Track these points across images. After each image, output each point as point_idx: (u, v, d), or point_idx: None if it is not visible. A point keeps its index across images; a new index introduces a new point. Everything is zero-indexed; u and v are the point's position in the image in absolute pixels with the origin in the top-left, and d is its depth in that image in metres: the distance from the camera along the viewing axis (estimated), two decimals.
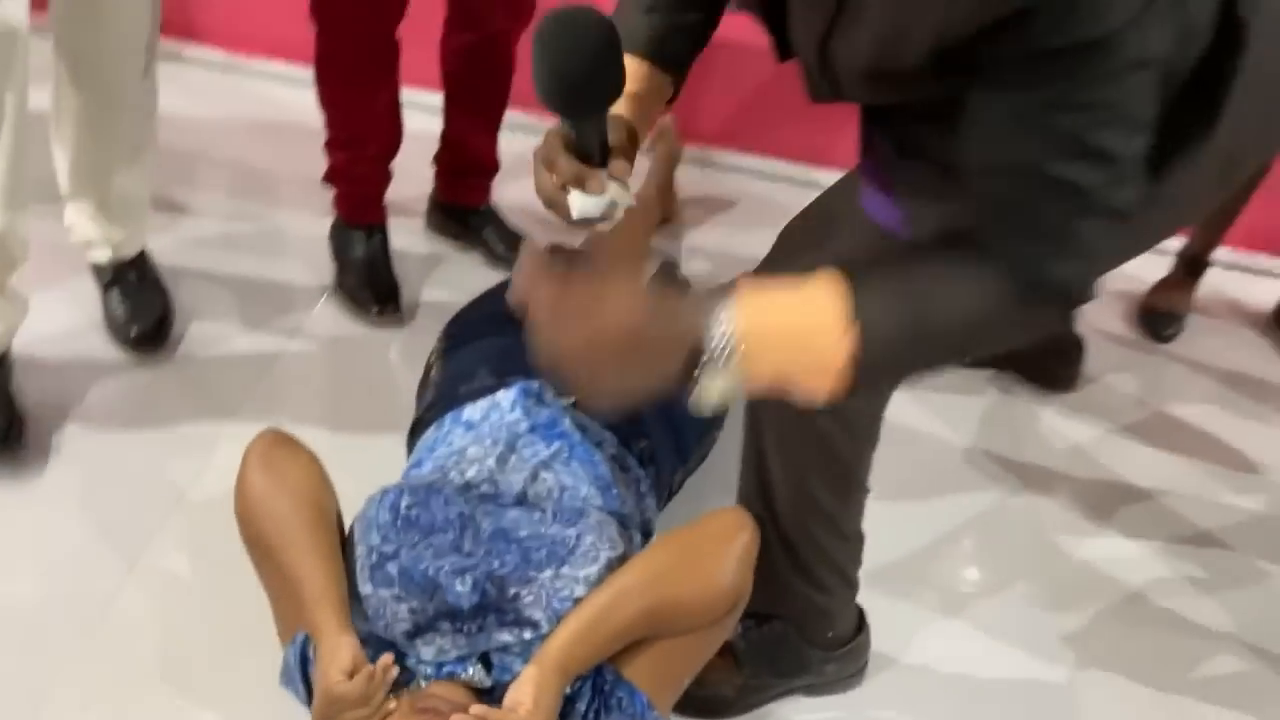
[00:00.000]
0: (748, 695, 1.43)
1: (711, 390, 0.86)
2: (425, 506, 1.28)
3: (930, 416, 1.93)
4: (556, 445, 1.39)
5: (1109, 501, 1.84)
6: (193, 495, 1.62)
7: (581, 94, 0.93)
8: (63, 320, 1.82)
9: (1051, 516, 1.80)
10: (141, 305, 1.83)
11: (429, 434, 1.45)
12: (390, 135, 1.93)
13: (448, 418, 1.45)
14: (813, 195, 1.38)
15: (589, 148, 0.98)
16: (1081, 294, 0.90)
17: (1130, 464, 1.92)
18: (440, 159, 2.10)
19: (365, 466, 1.43)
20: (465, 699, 1.17)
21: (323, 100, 1.86)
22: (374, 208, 2.00)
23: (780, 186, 2.43)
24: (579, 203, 1.00)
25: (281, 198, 2.22)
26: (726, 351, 0.84)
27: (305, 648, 1.25)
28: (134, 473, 1.64)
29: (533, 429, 1.39)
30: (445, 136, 2.07)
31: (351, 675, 1.15)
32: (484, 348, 1.56)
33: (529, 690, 1.13)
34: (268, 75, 2.54)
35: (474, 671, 1.21)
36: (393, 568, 1.23)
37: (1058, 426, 1.98)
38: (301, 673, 1.26)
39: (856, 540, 1.38)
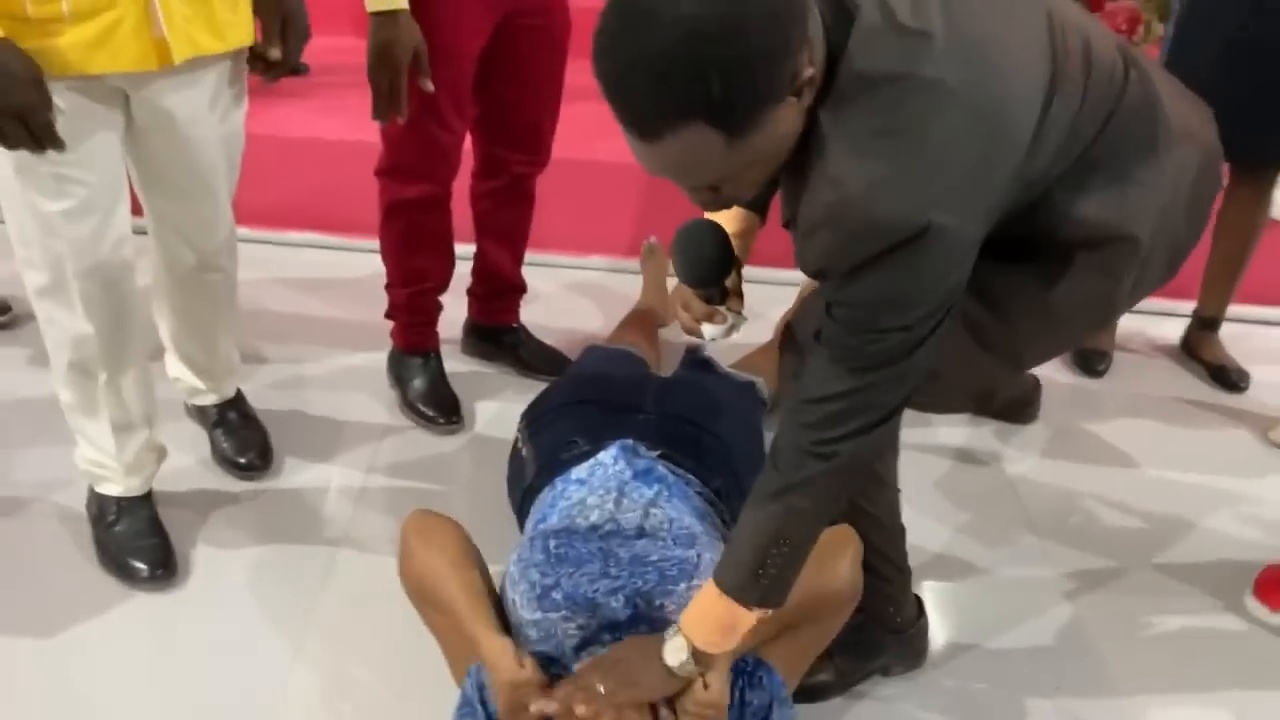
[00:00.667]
0: (843, 679, 1.71)
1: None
2: (570, 545, 1.56)
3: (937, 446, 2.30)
4: (657, 488, 1.68)
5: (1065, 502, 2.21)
6: (326, 594, 1.85)
7: (708, 280, 1.41)
8: (175, 457, 2.05)
9: (1029, 511, 2.15)
10: (246, 439, 2.09)
11: (544, 494, 1.73)
12: (447, 270, 2.25)
13: (558, 480, 1.73)
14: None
15: (713, 298, 1.43)
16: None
17: (1084, 474, 2.30)
18: (475, 288, 2.43)
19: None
20: None
21: (386, 246, 2.18)
22: (431, 336, 2.31)
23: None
24: (709, 331, 1.46)
25: (338, 340, 2.53)
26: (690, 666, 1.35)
27: (480, 676, 1.49)
28: (270, 580, 1.86)
29: (635, 476, 1.69)
30: (478, 267, 2.40)
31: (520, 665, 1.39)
32: (570, 424, 1.85)
33: (719, 685, 1.39)
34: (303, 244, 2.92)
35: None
36: (557, 594, 1.50)
37: (1025, 448, 2.36)
38: (479, 699, 1.50)
39: (899, 533, 1.69)
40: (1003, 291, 1.34)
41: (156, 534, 1.86)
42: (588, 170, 2.90)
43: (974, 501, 2.17)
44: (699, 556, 1.55)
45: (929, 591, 1.90)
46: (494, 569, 1.59)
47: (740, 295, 1.47)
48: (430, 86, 1.89)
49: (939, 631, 1.83)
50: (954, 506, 2.14)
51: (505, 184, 2.28)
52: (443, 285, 2.27)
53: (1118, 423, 2.49)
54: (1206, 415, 2.55)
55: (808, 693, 1.68)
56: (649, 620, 1.49)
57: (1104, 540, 2.09)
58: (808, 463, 1.26)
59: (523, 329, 2.48)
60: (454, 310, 2.42)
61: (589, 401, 1.92)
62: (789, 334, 1.58)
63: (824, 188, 1.11)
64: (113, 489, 1.85)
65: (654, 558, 1.54)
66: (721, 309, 1.44)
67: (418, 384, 2.29)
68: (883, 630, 1.71)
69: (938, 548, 2.03)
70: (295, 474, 2.10)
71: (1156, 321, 2.86)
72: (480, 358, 2.49)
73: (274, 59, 1.72)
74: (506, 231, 2.36)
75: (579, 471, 1.73)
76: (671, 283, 2.61)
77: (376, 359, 2.39)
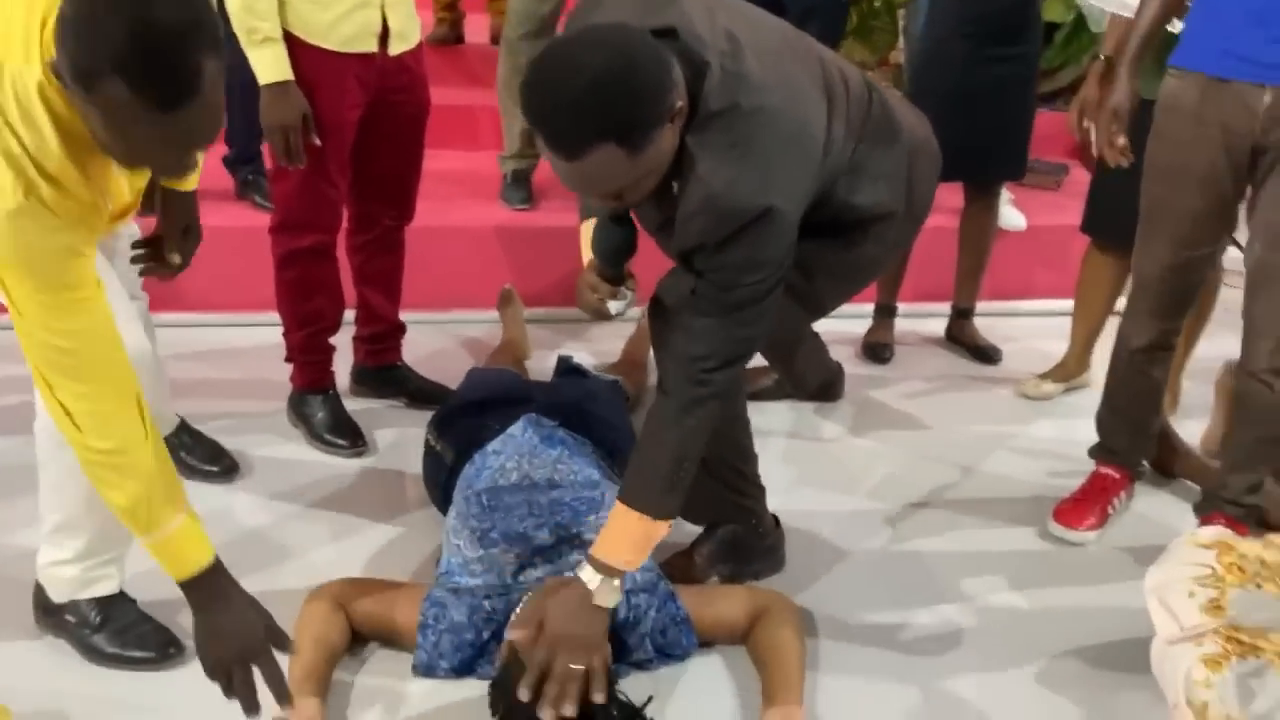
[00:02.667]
0: (725, 583, 2.10)
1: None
2: (498, 497, 1.94)
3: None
4: (560, 449, 2.09)
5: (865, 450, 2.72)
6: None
7: (618, 260, 1.84)
8: None
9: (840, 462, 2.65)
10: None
11: (466, 470, 2.09)
12: (338, 311, 2.57)
13: (476, 455, 2.10)
14: None
15: (616, 277, 1.84)
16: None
17: (888, 437, 2.83)
18: (360, 333, 2.76)
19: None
20: None
21: (283, 295, 2.49)
22: (329, 373, 2.61)
23: None
24: (614, 306, 1.85)
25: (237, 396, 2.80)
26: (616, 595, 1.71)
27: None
28: None
29: (542, 440, 2.10)
30: (362, 315, 2.73)
31: None
32: (478, 415, 2.22)
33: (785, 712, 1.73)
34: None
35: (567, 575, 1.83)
36: (494, 534, 1.87)
37: (838, 423, 2.87)
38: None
39: (754, 458, 2.13)
40: (809, 259, 1.82)
41: (148, 619, 1.88)
42: (447, 235, 3.29)
43: (804, 465, 2.65)
44: (603, 495, 1.95)
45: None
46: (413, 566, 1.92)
47: (633, 277, 1.90)
48: (318, 141, 2.28)
49: (795, 557, 2.27)
50: (788, 470, 2.61)
51: (378, 236, 2.64)
52: (335, 326, 2.58)
53: (906, 397, 3.05)
54: (974, 384, 3.16)
55: None
56: (569, 542, 1.88)
57: (918, 486, 2.57)
58: (695, 390, 1.69)
59: (406, 365, 2.82)
60: (338, 364, 2.73)
61: (489, 399, 2.30)
62: (657, 304, 2.02)
63: (697, 187, 1.59)
64: (101, 590, 1.85)
65: (567, 499, 1.94)
66: (622, 288, 1.86)
67: (321, 417, 2.58)
68: (752, 540, 2.14)
69: (781, 501, 2.48)
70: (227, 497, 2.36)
71: (924, 320, 3.48)
72: (371, 396, 2.80)
73: (174, 264, 1.94)
74: (384, 277, 2.70)
75: (494, 445, 2.10)
76: (529, 328, 3.11)
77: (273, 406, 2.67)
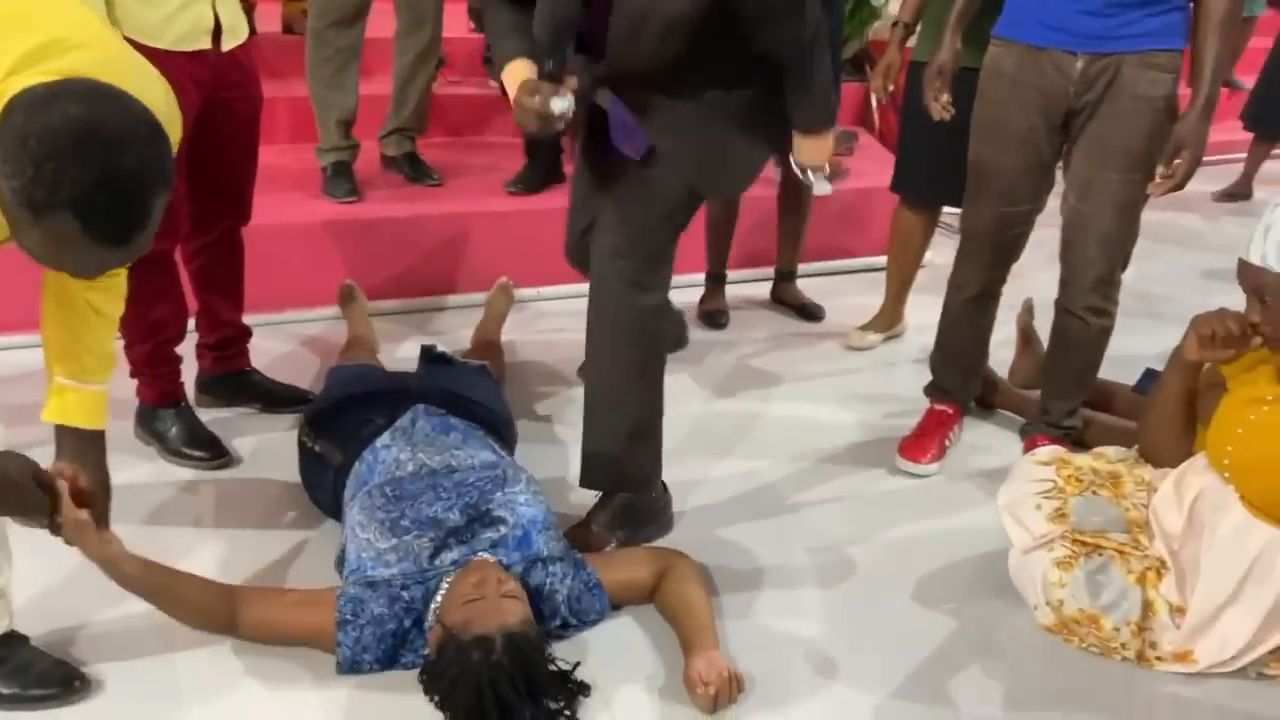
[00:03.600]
0: (623, 545, 2.20)
1: None
2: (401, 487, 1.94)
3: None
4: (453, 434, 2.11)
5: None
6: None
7: (562, 39, 1.90)
8: None
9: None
10: None
11: (356, 468, 2.08)
12: (183, 319, 2.47)
13: (365, 452, 2.09)
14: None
15: (555, 77, 1.87)
16: None
17: (737, 396, 2.99)
18: (204, 340, 2.65)
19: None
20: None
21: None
22: (179, 385, 2.51)
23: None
24: (557, 105, 1.78)
25: None
26: None
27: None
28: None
29: (434, 429, 2.11)
30: (205, 322, 2.63)
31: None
32: (358, 411, 2.21)
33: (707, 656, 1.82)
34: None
35: (482, 554, 1.87)
36: (405, 522, 1.88)
37: (689, 388, 3.01)
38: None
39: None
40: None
41: (44, 655, 1.79)
42: (276, 233, 3.19)
43: (667, 432, 2.76)
44: (504, 472, 2.00)
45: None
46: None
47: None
48: None
49: (681, 519, 2.38)
50: None
51: (217, 238, 2.55)
52: (180, 335, 2.48)
53: (746, 359, 3.23)
54: (803, 341, 3.37)
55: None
56: (480, 520, 1.91)
57: (776, 443, 2.73)
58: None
59: (255, 370, 2.74)
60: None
61: (364, 393, 2.29)
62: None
63: None
64: None
65: (471, 480, 1.97)
66: (562, 87, 1.85)
67: (175, 431, 2.48)
68: (644, 504, 2.26)
69: None
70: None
71: (751, 286, 3.67)
72: (220, 406, 2.70)
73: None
74: (226, 281, 2.62)
75: (383, 439, 2.10)
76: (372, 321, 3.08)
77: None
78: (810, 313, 3.53)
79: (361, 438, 2.13)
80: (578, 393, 2.92)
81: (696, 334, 3.32)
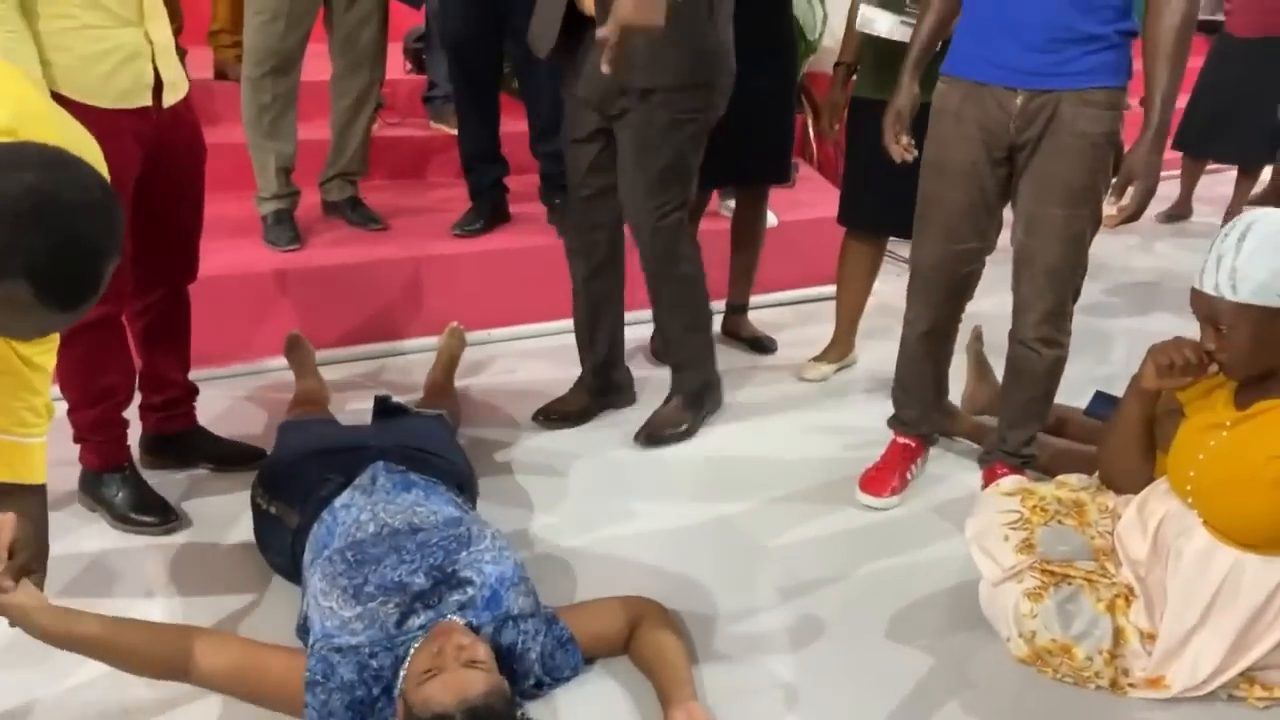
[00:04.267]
0: (693, 427, 2.87)
1: None
2: (363, 551, 1.89)
3: None
4: (415, 492, 2.06)
5: None
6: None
7: None
8: None
9: None
10: None
11: (315, 530, 2.02)
12: (131, 383, 2.39)
13: (324, 513, 2.04)
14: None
15: None
16: None
17: (693, 443, 2.98)
18: (149, 401, 2.57)
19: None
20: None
21: (67, 373, 2.28)
22: (125, 449, 2.43)
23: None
24: None
25: None
26: None
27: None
28: None
29: (394, 487, 2.06)
30: (149, 382, 2.55)
31: None
32: (314, 470, 2.15)
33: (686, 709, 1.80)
34: None
35: (453, 617, 1.82)
36: (369, 588, 1.82)
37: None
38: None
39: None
40: None
41: None
42: (230, 283, 3.13)
43: (629, 477, 2.75)
44: (468, 530, 1.95)
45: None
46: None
47: None
48: None
49: (650, 565, 2.36)
50: (616, 484, 2.72)
51: (162, 296, 2.48)
52: (129, 400, 2.40)
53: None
54: (757, 374, 3.37)
55: (676, 437, 2.88)
56: (446, 583, 1.86)
57: (740, 484, 2.70)
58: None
59: (203, 428, 2.66)
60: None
61: (319, 451, 2.23)
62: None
63: None
64: None
65: (434, 540, 1.92)
66: None
67: (122, 496, 2.39)
68: (712, 385, 2.92)
69: (614, 516, 2.57)
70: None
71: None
72: (168, 467, 2.61)
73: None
74: (172, 339, 2.54)
75: (342, 499, 2.05)
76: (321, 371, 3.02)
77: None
78: (763, 345, 3.54)
79: (319, 497, 2.07)
80: (535, 438, 2.90)
81: (644, 370, 3.29)
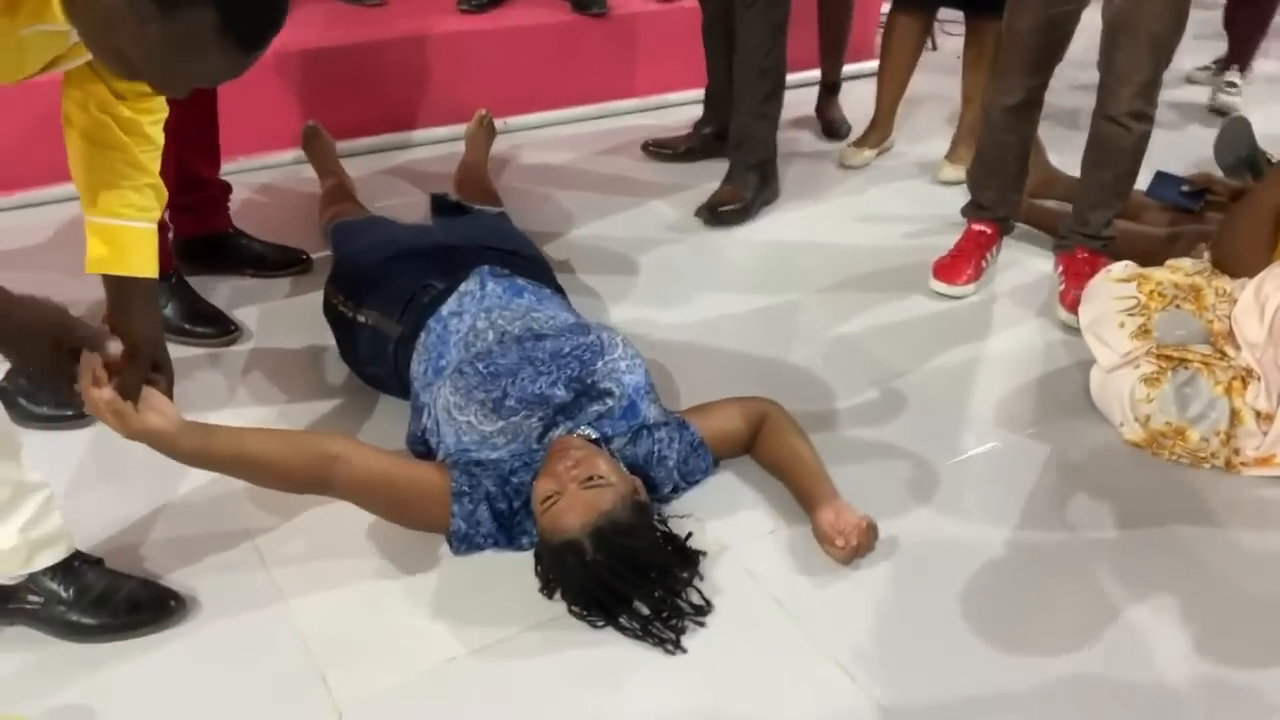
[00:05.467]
0: (752, 205, 2.85)
1: None
2: (493, 362, 1.77)
3: None
4: (527, 297, 1.93)
5: None
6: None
7: None
8: None
9: None
10: None
11: (422, 339, 1.89)
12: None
13: (429, 322, 1.90)
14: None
15: None
16: None
17: (764, 238, 2.87)
18: (178, 200, 2.31)
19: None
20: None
21: None
22: (167, 257, 2.21)
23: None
24: None
25: None
26: None
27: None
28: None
29: (505, 292, 1.92)
30: (179, 181, 2.31)
31: None
32: (408, 275, 1.99)
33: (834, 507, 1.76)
34: None
35: (586, 430, 1.74)
36: (511, 401, 1.72)
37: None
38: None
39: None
40: None
41: (125, 576, 1.59)
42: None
43: (704, 273, 2.65)
44: (599, 338, 1.83)
45: None
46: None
47: None
48: None
49: (745, 363, 2.29)
50: (698, 282, 2.61)
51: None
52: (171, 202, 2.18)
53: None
54: (795, 161, 3.23)
55: (736, 215, 2.84)
56: (587, 394, 1.77)
57: (814, 275, 2.63)
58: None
59: (240, 231, 2.46)
60: None
61: (404, 254, 2.06)
62: None
63: None
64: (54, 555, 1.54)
65: (566, 350, 1.80)
66: None
67: (173, 308, 2.21)
68: (773, 169, 2.90)
69: (704, 312, 2.49)
70: None
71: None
72: (204, 273, 2.42)
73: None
74: (198, 132, 2.29)
75: (449, 306, 1.91)
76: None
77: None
78: (834, 130, 3.43)
79: (421, 305, 1.93)
80: (581, 232, 2.76)
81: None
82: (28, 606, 1.54)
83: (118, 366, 1.40)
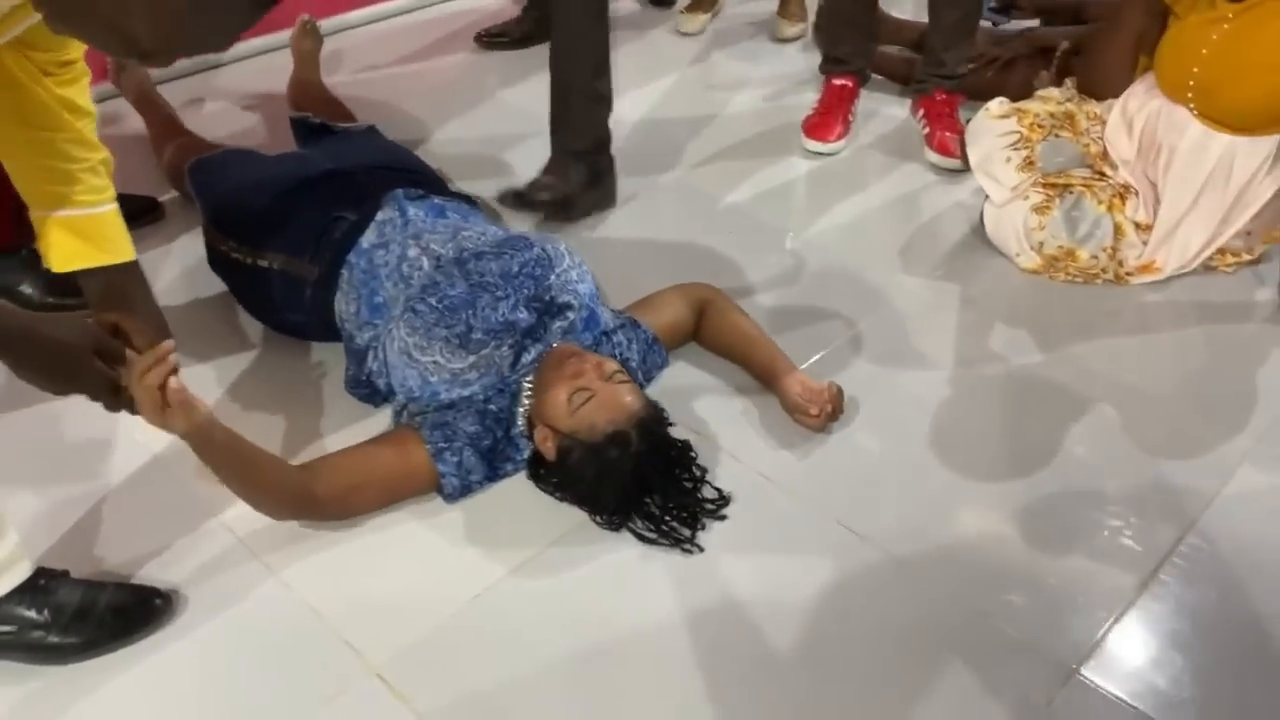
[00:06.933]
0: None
1: None
2: (444, 293, 1.67)
3: None
4: (450, 216, 1.83)
5: None
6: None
7: None
8: None
9: None
10: None
11: (348, 276, 1.76)
12: None
13: (349, 257, 1.77)
14: None
15: None
16: None
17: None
18: None
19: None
20: None
21: None
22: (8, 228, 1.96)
23: None
24: None
25: None
26: None
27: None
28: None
29: (426, 215, 1.81)
30: None
31: None
32: (311, 211, 1.84)
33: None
34: None
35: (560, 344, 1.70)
36: (476, 334, 1.64)
37: None
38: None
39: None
40: None
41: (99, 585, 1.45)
42: None
43: None
44: (542, 249, 1.76)
45: None
46: None
47: None
48: None
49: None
50: None
51: None
52: None
53: None
54: (631, 34, 3.16)
55: (555, 206, 2.29)
56: (550, 312, 1.71)
57: (662, 146, 2.64)
58: None
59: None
60: None
61: (296, 188, 1.90)
62: None
63: None
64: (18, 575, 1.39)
65: (514, 268, 1.72)
66: None
67: (31, 282, 1.97)
68: (606, 167, 2.36)
69: None
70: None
71: None
72: None
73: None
74: None
75: (369, 238, 1.79)
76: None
77: None
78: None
79: (334, 240, 1.79)
80: (440, 139, 2.62)
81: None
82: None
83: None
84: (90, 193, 1.33)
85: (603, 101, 2.29)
